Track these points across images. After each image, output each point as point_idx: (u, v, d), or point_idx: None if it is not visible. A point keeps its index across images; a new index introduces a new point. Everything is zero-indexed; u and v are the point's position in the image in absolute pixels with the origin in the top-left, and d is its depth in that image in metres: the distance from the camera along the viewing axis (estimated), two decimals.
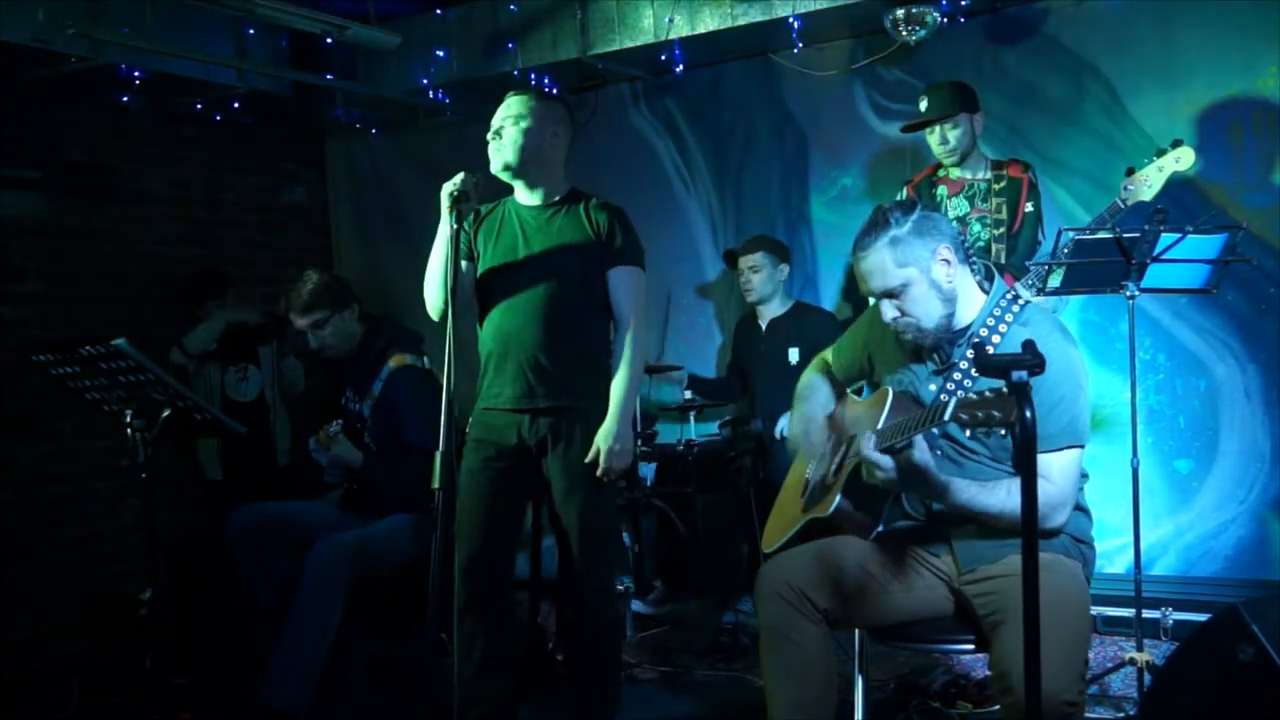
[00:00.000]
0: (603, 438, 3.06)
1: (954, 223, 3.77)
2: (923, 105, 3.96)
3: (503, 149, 3.10)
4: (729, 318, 5.24)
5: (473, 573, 3.10)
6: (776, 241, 4.77)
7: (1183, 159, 3.41)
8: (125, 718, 3.85)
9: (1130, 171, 3.45)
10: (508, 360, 3.13)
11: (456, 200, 2.92)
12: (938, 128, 3.93)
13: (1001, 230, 3.91)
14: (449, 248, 2.96)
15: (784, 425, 4.44)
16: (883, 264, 2.40)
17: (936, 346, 2.50)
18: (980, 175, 3.99)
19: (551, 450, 3.12)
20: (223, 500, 4.62)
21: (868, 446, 2.30)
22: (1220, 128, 4.20)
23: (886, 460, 2.28)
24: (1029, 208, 3.93)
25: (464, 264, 3.19)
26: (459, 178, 2.94)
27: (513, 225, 3.18)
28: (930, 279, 2.41)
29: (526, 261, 3.14)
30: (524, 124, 3.09)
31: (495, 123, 3.13)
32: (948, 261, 2.42)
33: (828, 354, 2.91)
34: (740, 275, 4.72)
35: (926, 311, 2.43)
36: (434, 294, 3.13)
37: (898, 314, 2.45)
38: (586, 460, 3.06)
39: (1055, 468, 2.34)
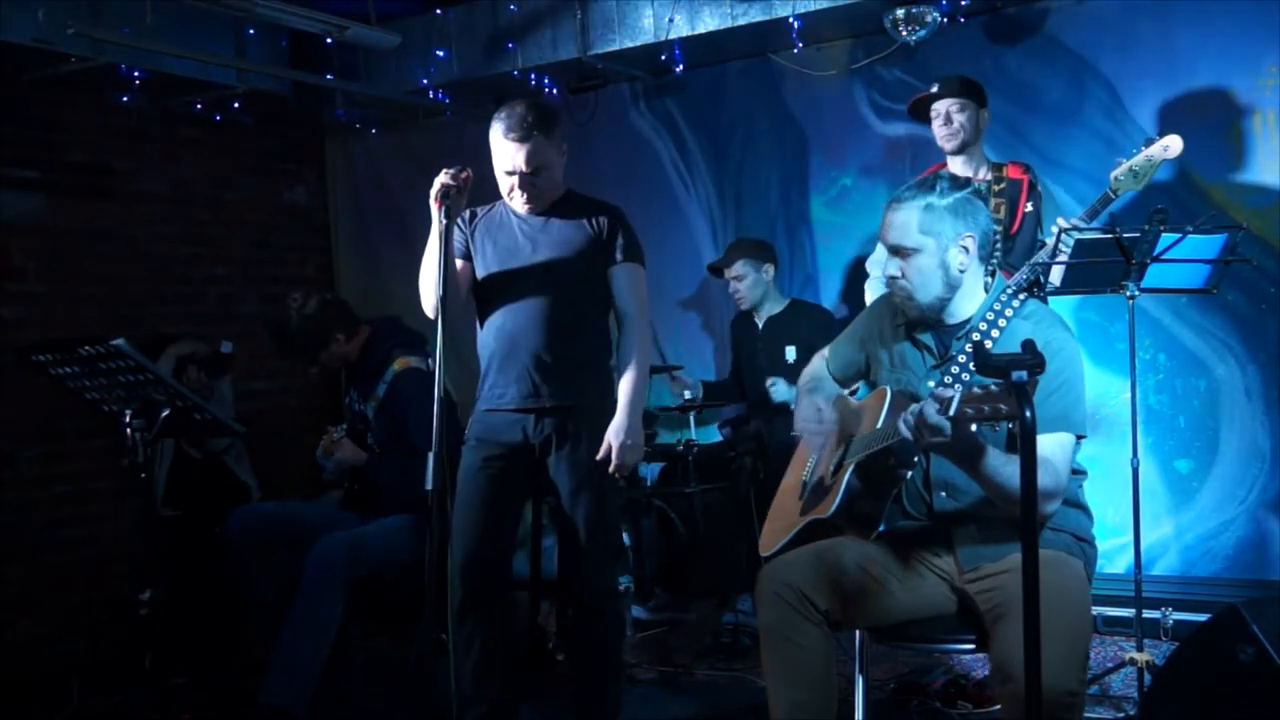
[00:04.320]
0: (614, 433, 3.04)
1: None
2: (933, 90, 3.95)
3: (536, 197, 3.09)
4: (727, 318, 5.23)
5: (470, 572, 3.09)
6: (756, 243, 4.74)
7: (1171, 147, 3.38)
8: (125, 718, 3.85)
9: (1121, 162, 3.44)
10: (511, 361, 3.12)
11: (444, 196, 2.89)
12: (944, 108, 3.91)
13: (1001, 230, 3.91)
14: (441, 244, 2.93)
15: (785, 393, 4.44)
16: (907, 222, 2.44)
17: (921, 323, 2.51)
18: (981, 175, 3.99)
19: (556, 450, 3.11)
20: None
21: (931, 411, 2.14)
22: (1221, 127, 4.19)
23: (947, 425, 2.13)
24: (1029, 208, 3.93)
25: (460, 262, 3.18)
26: (443, 174, 2.90)
27: (511, 227, 3.17)
28: (942, 258, 2.44)
29: (527, 263, 3.13)
30: (546, 171, 3.06)
31: (507, 165, 3.03)
32: (966, 250, 2.45)
33: (825, 353, 2.91)
34: (728, 286, 4.74)
35: (924, 285, 2.46)
36: (427, 291, 3.09)
37: (898, 274, 2.48)
38: (598, 457, 3.05)
39: (1048, 450, 2.28)
